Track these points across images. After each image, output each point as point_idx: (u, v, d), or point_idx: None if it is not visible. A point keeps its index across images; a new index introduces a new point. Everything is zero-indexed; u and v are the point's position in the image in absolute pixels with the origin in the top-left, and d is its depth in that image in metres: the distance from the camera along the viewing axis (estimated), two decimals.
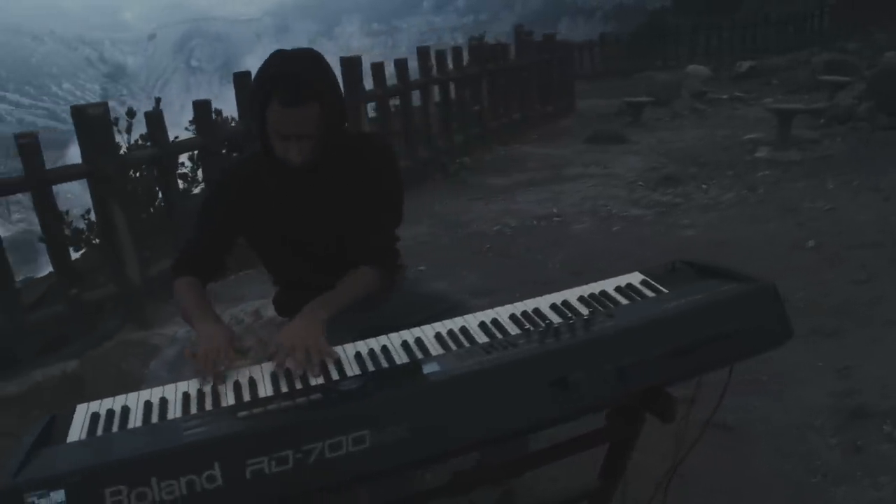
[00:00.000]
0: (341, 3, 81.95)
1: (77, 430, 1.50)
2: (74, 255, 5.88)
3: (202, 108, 4.64)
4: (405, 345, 1.69)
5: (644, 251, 4.77)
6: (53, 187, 3.86)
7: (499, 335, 1.71)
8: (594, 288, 1.91)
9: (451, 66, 7.67)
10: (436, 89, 7.49)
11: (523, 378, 1.50)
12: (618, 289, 1.89)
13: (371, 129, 6.51)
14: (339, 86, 1.85)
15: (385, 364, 1.63)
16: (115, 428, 1.49)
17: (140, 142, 5.20)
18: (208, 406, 1.54)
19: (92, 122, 3.84)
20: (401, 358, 1.64)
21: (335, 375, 1.60)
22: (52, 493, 1.27)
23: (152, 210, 5.12)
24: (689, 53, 17.33)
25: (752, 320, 1.69)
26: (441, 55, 7.49)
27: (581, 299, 1.85)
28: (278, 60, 1.74)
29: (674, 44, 17.95)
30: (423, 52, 7.22)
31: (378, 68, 6.48)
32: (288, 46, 1.88)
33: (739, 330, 1.66)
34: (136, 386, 3.17)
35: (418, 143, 7.33)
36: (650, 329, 1.62)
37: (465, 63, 8.02)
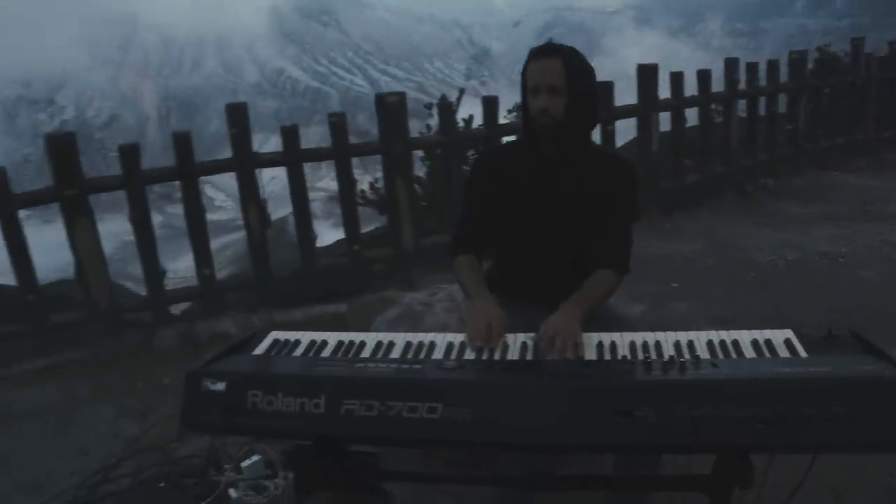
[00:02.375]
0: (706, 0, 78.53)
1: (261, 348, 2.00)
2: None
3: (489, 104, 5.12)
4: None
5: None
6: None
7: (608, 356, 1.83)
8: (731, 335, 1.90)
9: (763, 79, 7.19)
10: (742, 103, 7.10)
11: (595, 399, 1.61)
12: (754, 342, 1.86)
13: (662, 141, 6.45)
14: (589, 72, 2.11)
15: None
16: (283, 353, 1.96)
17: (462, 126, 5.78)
18: (350, 354, 1.92)
19: (389, 108, 4.55)
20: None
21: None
22: (218, 383, 1.76)
23: (437, 190, 5.76)
24: None
25: (881, 412, 1.53)
26: (753, 67, 7.06)
27: (709, 343, 1.87)
28: None
29: None
30: (729, 64, 6.89)
31: (676, 77, 6.38)
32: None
33: (856, 417, 1.52)
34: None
35: (713, 158, 7.06)
36: (741, 388, 1.59)
37: (782, 77, 7.43)
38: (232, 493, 2.56)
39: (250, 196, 4.52)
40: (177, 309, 4.90)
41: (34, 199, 4.33)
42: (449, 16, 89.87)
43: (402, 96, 4.65)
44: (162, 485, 2.74)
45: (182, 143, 4.35)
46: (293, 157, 4.52)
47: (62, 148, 4.19)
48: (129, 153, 4.31)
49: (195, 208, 4.49)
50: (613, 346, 1.88)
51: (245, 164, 4.46)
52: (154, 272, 4.49)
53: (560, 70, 2.00)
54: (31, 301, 4.33)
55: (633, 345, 1.88)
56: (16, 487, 3.00)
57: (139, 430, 3.32)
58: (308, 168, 4.69)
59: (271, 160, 4.64)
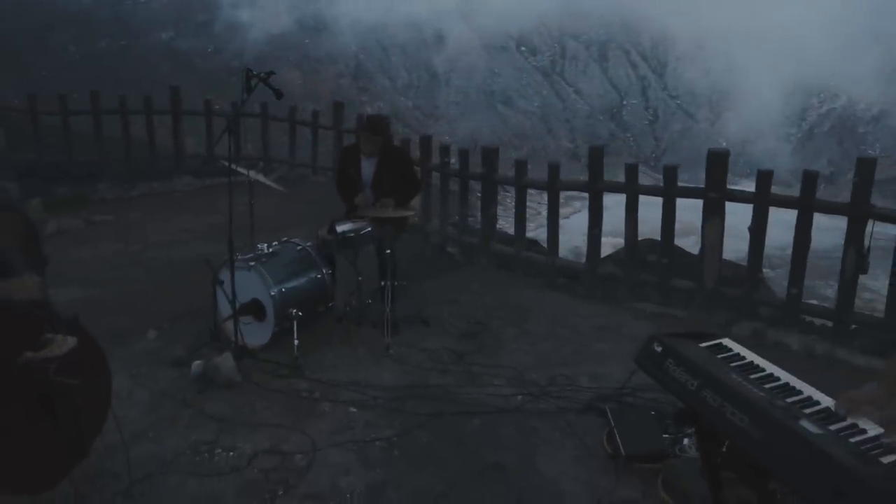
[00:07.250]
0: None
1: (708, 343, 2.90)
2: None
3: None
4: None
5: None
6: None
7: None
8: None
9: None
10: None
11: None
12: None
13: None
14: None
15: None
16: (717, 354, 2.82)
17: None
18: (755, 376, 2.67)
19: None
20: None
21: None
22: (659, 346, 2.77)
23: None
24: None
25: None
26: None
27: None
28: None
29: None
30: None
31: None
32: None
33: None
34: None
35: None
36: None
37: None
38: (685, 441, 3.65)
39: None
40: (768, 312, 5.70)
41: (688, 193, 5.78)
42: None
43: None
44: (653, 413, 3.96)
45: None
46: None
47: (718, 161, 5.48)
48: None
49: None
50: None
51: None
52: (755, 274, 5.48)
53: None
54: (664, 264, 5.89)
55: None
56: (585, 372, 4.68)
57: None
58: None
59: None
